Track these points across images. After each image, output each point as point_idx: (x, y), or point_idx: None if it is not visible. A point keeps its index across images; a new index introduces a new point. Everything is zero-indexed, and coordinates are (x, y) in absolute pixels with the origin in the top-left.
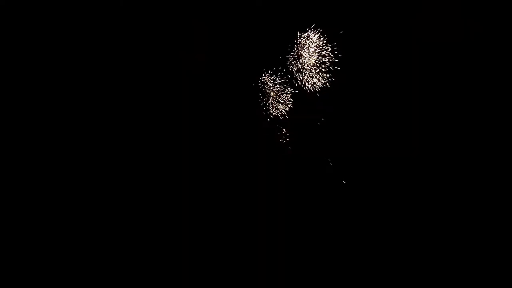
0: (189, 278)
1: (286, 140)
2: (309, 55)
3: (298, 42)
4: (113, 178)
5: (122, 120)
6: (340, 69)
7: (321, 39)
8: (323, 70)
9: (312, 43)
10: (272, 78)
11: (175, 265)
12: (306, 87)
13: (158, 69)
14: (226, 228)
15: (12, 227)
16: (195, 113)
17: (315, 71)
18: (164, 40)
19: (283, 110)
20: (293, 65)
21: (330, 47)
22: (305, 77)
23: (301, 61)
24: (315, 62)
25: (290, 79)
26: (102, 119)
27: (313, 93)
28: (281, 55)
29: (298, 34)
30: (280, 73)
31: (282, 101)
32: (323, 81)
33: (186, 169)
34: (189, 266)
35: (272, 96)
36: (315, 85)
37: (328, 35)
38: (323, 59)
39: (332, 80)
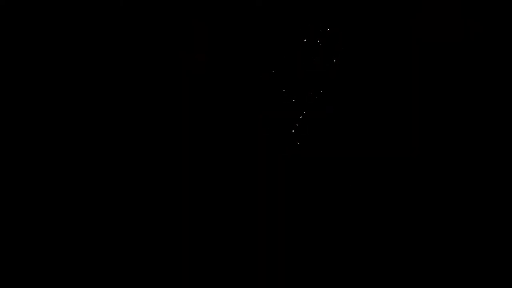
0: (189, 278)
1: (295, 140)
2: (310, 55)
3: (299, 41)
4: (112, 178)
5: (121, 120)
6: (340, 69)
7: (321, 39)
8: (325, 70)
9: (313, 43)
10: (273, 78)
11: (175, 265)
12: (308, 87)
13: (158, 69)
14: (226, 229)
15: (8, 226)
16: (195, 113)
17: (316, 71)
18: (164, 40)
19: (285, 110)
20: (294, 65)
21: (331, 46)
22: (306, 77)
23: (302, 61)
24: (316, 62)
25: (291, 79)
26: (101, 119)
27: (315, 93)
28: (282, 55)
29: (299, 33)
30: (281, 73)
31: (284, 101)
32: (325, 81)
33: (186, 169)
34: (189, 266)
35: (274, 97)
36: (317, 85)
37: (328, 34)
38: (324, 59)
39: (333, 80)
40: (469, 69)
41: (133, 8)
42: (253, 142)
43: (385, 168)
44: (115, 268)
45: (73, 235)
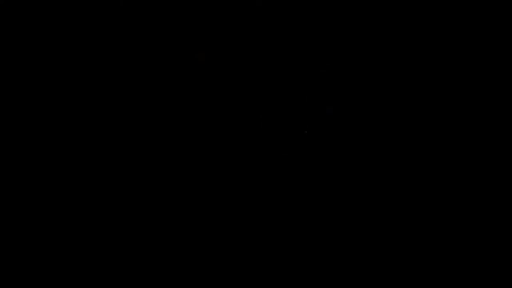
0: (189, 278)
1: (304, 141)
2: (311, 56)
3: (299, 41)
4: (112, 179)
5: (121, 120)
6: (340, 69)
7: (321, 39)
8: (325, 70)
9: (313, 43)
10: (273, 78)
11: (175, 265)
12: (308, 87)
13: (158, 69)
14: (226, 229)
15: (8, 226)
16: (195, 113)
17: (316, 71)
18: (164, 40)
19: (285, 110)
20: (294, 65)
21: (331, 46)
22: (306, 77)
23: (302, 62)
24: (316, 62)
25: (291, 79)
26: (101, 119)
27: (315, 93)
28: (282, 55)
29: (299, 33)
30: (281, 73)
31: (285, 101)
32: (325, 81)
33: (186, 169)
34: (189, 266)
35: (274, 97)
36: (317, 85)
37: (328, 34)
38: (324, 59)
39: (333, 80)
40: (469, 69)
41: (133, 8)
42: (253, 142)
43: (385, 168)
44: (115, 268)
45: (73, 235)
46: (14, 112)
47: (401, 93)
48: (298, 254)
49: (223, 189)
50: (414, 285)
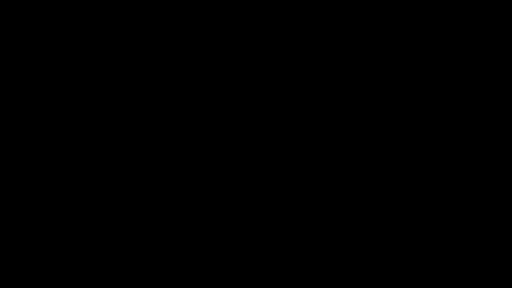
0: (189, 278)
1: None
2: (311, 56)
3: (299, 41)
4: (112, 179)
5: (121, 120)
6: (340, 69)
7: (321, 39)
8: (325, 70)
9: (313, 43)
10: (273, 78)
11: (175, 265)
12: (308, 87)
13: (158, 69)
14: (226, 229)
15: (8, 226)
16: (195, 113)
17: (316, 71)
18: (164, 40)
19: (285, 110)
20: (295, 65)
21: (331, 46)
22: (306, 77)
23: (302, 62)
24: (316, 62)
25: (291, 79)
26: (101, 119)
27: (315, 93)
28: (282, 55)
29: (299, 33)
30: (281, 73)
31: (285, 101)
32: (325, 81)
33: (186, 169)
34: (189, 266)
35: (274, 97)
36: (317, 85)
37: (328, 34)
38: (324, 59)
39: (333, 80)
40: (469, 69)
41: (133, 8)
42: (253, 142)
43: (385, 168)
44: (115, 268)
45: (73, 235)
46: (14, 112)
47: (401, 93)
48: (298, 254)
49: (223, 189)
50: (414, 285)
